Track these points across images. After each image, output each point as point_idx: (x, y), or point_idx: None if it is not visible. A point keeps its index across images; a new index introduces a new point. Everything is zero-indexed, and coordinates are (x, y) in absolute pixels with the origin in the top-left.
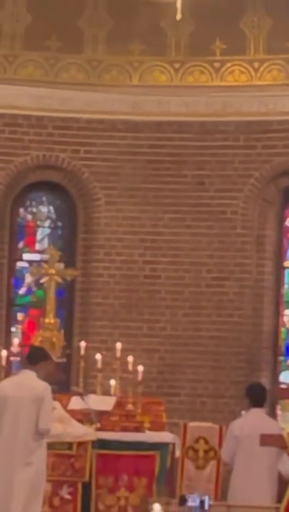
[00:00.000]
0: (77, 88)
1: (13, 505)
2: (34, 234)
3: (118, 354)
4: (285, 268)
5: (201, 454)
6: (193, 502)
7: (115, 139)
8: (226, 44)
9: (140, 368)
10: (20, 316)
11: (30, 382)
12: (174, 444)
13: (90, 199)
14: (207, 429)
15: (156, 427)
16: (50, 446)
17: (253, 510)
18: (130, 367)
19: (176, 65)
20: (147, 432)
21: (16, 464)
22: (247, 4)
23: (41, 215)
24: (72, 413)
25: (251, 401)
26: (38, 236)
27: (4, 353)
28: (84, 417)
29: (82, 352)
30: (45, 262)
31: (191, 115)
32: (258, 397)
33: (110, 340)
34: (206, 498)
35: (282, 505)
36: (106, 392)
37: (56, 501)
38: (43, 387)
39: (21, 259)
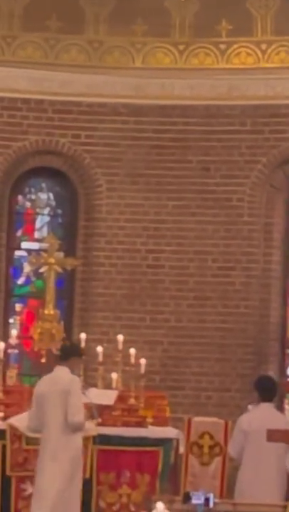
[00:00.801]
0: (78, 70)
1: (49, 497)
2: (33, 222)
3: (120, 346)
4: None
5: (206, 449)
6: (197, 499)
7: (117, 123)
8: (232, 25)
9: (143, 361)
10: (18, 306)
11: (59, 376)
12: (177, 440)
13: (91, 185)
14: (212, 424)
15: (160, 421)
16: None
17: (260, 508)
18: (132, 360)
19: (181, 47)
20: (150, 427)
21: (47, 458)
22: None
23: (40, 203)
24: None
25: (260, 395)
26: (37, 224)
27: (2, 345)
28: (84, 411)
29: (83, 344)
30: (45, 250)
31: (196, 99)
32: (267, 390)
33: (112, 332)
34: (211, 496)
35: None
36: (107, 386)
37: None
38: (69, 380)
39: (20, 248)
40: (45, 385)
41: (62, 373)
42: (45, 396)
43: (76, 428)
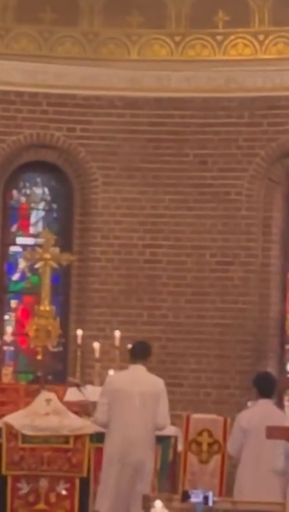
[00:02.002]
0: (73, 63)
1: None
2: (28, 217)
3: (117, 343)
4: None
5: (204, 447)
6: (196, 498)
7: (113, 117)
8: (229, 16)
9: None
10: (13, 303)
11: (146, 376)
12: (176, 437)
13: (87, 180)
14: (211, 421)
15: None
16: (46, 439)
17: (260, 507)
18: None
19: (177, 38)
20: None
21: (118, 456)
22: None
23: (35, 197)
24: (69, 405)
25: (259, 391)
26: (32, 219)
27: None
28: (81, 409)
29: (79, 341)
30: (40, 246)
31: (193, 91)
32: (266, 387)
33: (108, 328)
34: (210, 494)
35: None
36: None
37: (52, 497)
38: (162, 382)
39: (15, 244)
40: (126, 383)
41: (143, 373)
42: (127, 394)
43: (161, 429)
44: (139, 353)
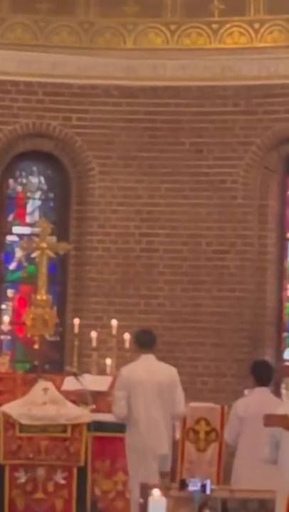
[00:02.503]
0: (69, 52)
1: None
2: (24, 206)
3: (114, 331)
4: (288, 240)
5: (202, 435)
6: (194, 486)
7: (109, 106)
8: (225, 4)
9: None
10: (10, 292)
11: (160, 366)
12: (173, 426)
13: (83, 169)
14: (208, 409)
15: None
16: (43, 429)
17: (257, 495)
18: (127, 345)
19: (173, 27)
20: None
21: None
22: None
23: (32, 186)
24: (66, 394)
25: (256, 379)
26: (29, 208)
27: None
28: (78, 398)
29: (76, 330)
30: (37, 235)
31: (189, 79)
32: (263, 375)
33: (106, 317)
34: (208, 482)
35: (287, 493)
36: (102, 372)
37: (50, 487)
38: (175, 370)
39: (11, 233)
40: (141, 374)
41: (156, 362)
42: (144, 385)
43: (179, 418)
44: (148, 342)
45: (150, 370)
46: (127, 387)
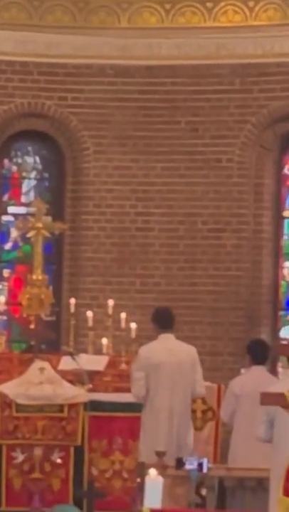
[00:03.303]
0: (63, 32)
1: None
2: (20, 186)
3: (110, 311)
4: (284, 218)
5: (198, 414)
6: (191, 465)
7: (104, 85)
8: None
9: (133, 325)
10: (6, 272)
11: (180, 346)
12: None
13: (79, 148)
14: (205, 388)
15: None
16: (40, 409)
17: (254, 473)
18: (123, 324)
19: (167, 6)
20: None
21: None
22: None
23: (27, 166)
24: (63, 374)
25: (253, 358)
26: (24, 188)
27: None
28: (75, 377)
29: (72, 309)
30: (32, 215)
31: (184, 58)
32: (260, 354)
33: (102, 297)
34: (205, 461)
35: (284, 469)
36: (98, 351)
37: (47, 466)
38: (195, 350)
39: (6, 213)
40: (162, 355)
41: (176, 342)
42: (164, 366)
43: (199, 397)
44: (168, 321)
45: (170, 350)
46: (145, 368)
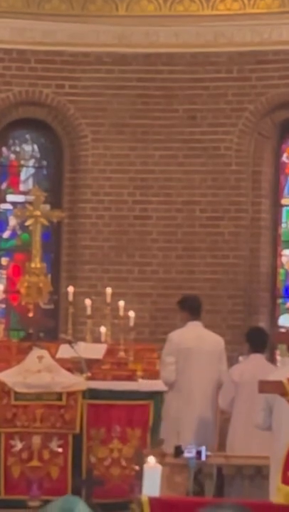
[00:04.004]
0: (61, 19)
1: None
2: (18, 174)
3: (108, 299)
4: (282, 206)
5: None
6: (189, 453)
7: (102, 73)
8: None
9: (132, 314)
10: (4, 260)
11: (209, 334)
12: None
13: (76, 136)
14: None
15: (150, 375)
16: (38, 397)
17: (252, 461)
18: (121, 312)
19: None
20: (140, 381)
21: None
22: None
23: (25, 154)
24: (61, 362)
25: (251, 346)
26: (22, 176)
27: None
28: (73, 365)
29: (71, 297)
30: (30, 203)
31: (181, 46)
32: (258, 342)
33: (100, 285)
34: (203, 449)
35: (283, 457)
36: (96, 340)
37: (46, 454)
38: (222, 340)
39: (5, 201)
40: (192, 341)
41: (205, 330)
42: (194, 353)
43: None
44: (199, 308)
45: (200, 338)
46: (176, 353)
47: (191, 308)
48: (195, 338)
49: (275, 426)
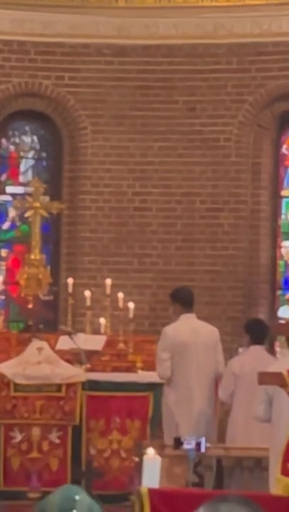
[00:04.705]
0: (61, 11)
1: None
2: (17, 166)
3: (108, 291)
4: (282, 197)
5: None
6: (189, 445)
7: (101, 64)
8: None
9: (131, 305)
10: (4, 252)
11: (203, 326)
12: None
13: (76, 128)
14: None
15: (149, 366)
16: (38, 388)
17: (252, 453)
18: (121, 304)
19: None
20: (140, 372)
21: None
22: None
23: (25, 146)
24: (61, 353)
25: (251, 338)
26: (22, 168)
27: None
28: (73, 357)
29: (70, 289)
30: (30, 195)
31: (181, 38)
32: (258, 333)
33: (99, 277)
34: (203, 441)
35: (282, 448)
36: (96, 331)
37: (45, 446)
38: (217, 330)
39: (4, 193)
40: (187, 335)
41: (198, 322)
42: (190, 347)
43: (220, 378)
44: (191, 301)
45: (194, 331)
46: (171, 348)
47: (183, 300)
48: (189, 331)
49: (275, 418)
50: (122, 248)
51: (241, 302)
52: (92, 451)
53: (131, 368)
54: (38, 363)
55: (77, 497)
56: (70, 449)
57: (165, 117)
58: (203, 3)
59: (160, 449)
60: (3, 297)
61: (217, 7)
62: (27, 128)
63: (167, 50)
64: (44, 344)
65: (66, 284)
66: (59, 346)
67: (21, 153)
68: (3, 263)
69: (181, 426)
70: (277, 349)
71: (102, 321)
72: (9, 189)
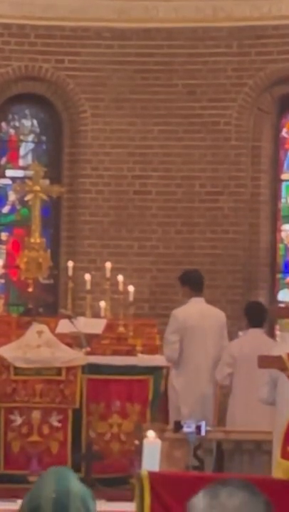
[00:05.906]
0: None
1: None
2: (17, 149)
3: (108, 274)
4: (282, 181)
5: None
6: (188, 428)
7: (101, 48)
8: None
9: (131, 288)
10: (4, 235)
11: (211, 310)
12: (168, 368)
13: (76, 111)
14: None
15: (149, 350)
16: (38, 372)
17: (252, 436)
18: (121, 287)
19: None
20: (140, 356)
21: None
22: None
23: (24, 129)
24: (61, 337)
25: (250, 321)
26: (22, 151)
27: None
28: (73, 340)
29: (70, 272)
30: (29, 178)
31: (181, 21)
32: (257, 316)
33: (99, 260)
34: (203, 424)
35: (283, 430)
36: (96, 315)
37: (45, 429)
38: (224, 315)
39: (4, 176)
40: (196, 318)
41: (206, 306)
42: (198, 330)
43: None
44: (201, 284)
45: (203, 315)
46: (180, 331)
47: (191, 283)
48: (198, 314)
49: (278, 399)
50: (121, 232)
51: (241, 286)
52: (93, 435)
53: (131, 352)
54: (38, 346)
55: (71, 488)
56: (70, 433)
57: (165, 101)
58: None
59: (160, 433)
60: (3, 281)
61: None
62: (27, 111)
63: (167, 34)
64: (44, 328)
65: (66, 268)
66: (59, 330)
67: (21, 137)
68: (3, 247)
69: (186, 408)
70: (277, 332)
71: (102, 304)
72: (9, 173)
